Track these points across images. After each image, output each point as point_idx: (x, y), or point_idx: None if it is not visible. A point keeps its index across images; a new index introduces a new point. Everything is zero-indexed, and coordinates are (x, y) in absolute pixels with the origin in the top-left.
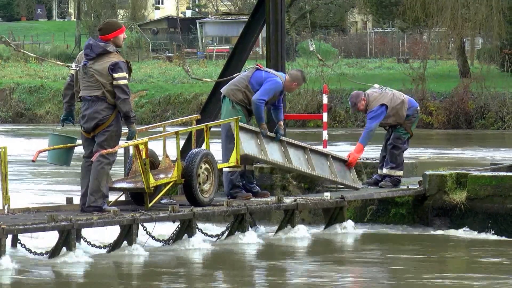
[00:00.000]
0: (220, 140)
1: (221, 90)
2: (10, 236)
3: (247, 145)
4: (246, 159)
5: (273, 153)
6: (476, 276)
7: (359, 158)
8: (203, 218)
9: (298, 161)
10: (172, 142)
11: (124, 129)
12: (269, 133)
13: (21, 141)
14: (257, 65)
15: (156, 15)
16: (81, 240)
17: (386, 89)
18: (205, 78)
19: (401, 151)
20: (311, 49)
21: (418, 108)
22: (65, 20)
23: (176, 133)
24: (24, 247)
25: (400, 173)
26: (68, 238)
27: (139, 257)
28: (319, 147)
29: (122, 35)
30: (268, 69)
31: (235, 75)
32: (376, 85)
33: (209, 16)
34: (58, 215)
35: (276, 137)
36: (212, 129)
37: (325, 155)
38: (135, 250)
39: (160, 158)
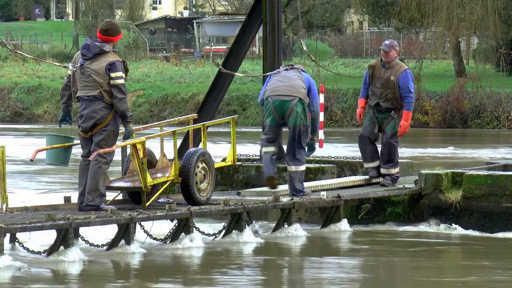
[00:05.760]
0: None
1: (292, 94)
2: (8, 235)
3: None
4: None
5: None
6: (470, 274)
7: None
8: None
9: None
10: (169, 141)
11: (121, 129)
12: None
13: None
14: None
15: (154, 15)
16: (79, 238)
17: None
18: (236, 73)
19: (395, 148)
20: (304, 48)
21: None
22: (63, 20)
23: (173, 132)
24: (22, 246)
25: (397, 169)
26: (66, 237)
27: (136, 256)
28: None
29: None
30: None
31: (275, 71)
32: None
33: (206, 16)
34: (56, 214)
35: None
36: (209, 129)
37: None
38: (133, 248)
39: (157, 158)
